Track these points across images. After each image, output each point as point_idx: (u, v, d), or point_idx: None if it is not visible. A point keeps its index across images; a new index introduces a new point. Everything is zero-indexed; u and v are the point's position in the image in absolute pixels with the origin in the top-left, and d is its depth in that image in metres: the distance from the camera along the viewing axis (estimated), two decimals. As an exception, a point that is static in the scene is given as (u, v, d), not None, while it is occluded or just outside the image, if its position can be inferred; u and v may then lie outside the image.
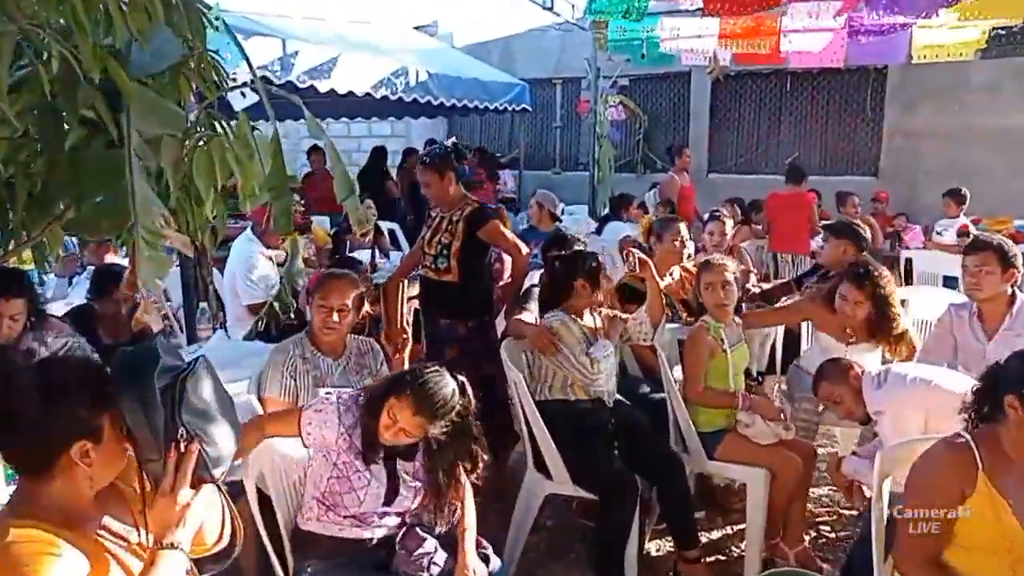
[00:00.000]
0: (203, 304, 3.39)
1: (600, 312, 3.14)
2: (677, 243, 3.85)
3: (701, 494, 3.48)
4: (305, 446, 2.05)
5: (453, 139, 3.93)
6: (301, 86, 5.42)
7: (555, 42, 10.54)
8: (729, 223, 4.98)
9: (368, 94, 6.19)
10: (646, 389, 3.54)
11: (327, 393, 2.09)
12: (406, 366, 2.74)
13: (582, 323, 3.02)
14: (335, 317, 2.61)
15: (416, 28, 9.97)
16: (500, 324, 3.80)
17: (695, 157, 9.55)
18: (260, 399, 2.59)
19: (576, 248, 3.51)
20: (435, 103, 7.14)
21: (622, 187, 8.91)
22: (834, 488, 3.27)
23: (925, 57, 7.02)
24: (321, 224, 6.56)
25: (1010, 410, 1.78)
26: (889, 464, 2.08)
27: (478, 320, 3.69)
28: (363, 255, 5.41)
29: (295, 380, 2.59)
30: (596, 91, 8.93)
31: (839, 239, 3.93)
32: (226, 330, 3.84)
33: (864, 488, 2.98)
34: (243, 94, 3.45)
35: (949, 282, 6.06)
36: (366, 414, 1.99)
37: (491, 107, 8.15)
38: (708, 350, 3.03)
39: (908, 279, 6.32)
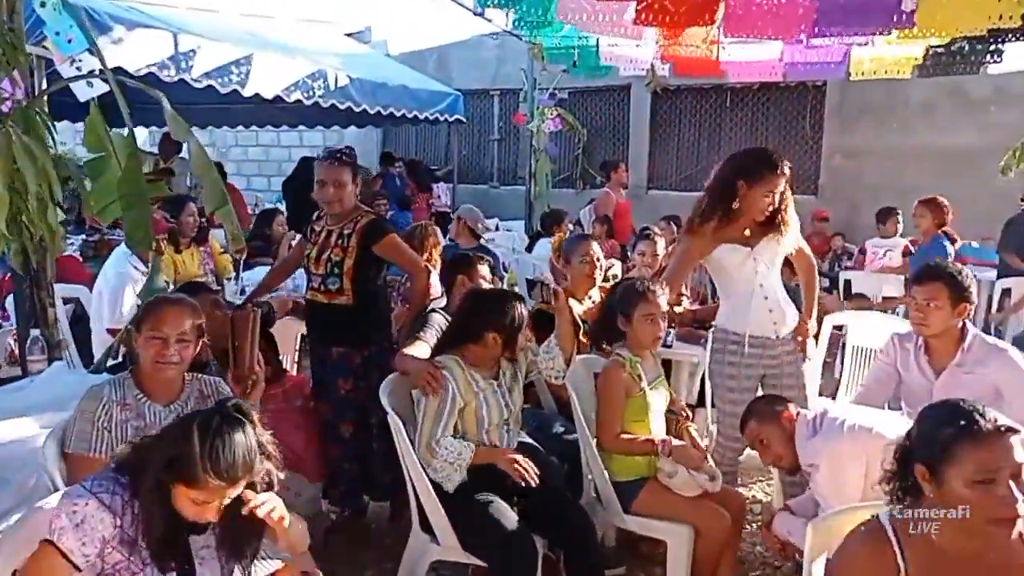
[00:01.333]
0: (35, 332, 2.85)
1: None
2: (587, 264, 3.48)
3: (623, 543, 3.09)
4: (79, 569, 1.53)
5: (347, 147, 3.47)
6: (197, 86, 4.91)
7: (492, 52, 10.20)
8: (661, 242, 4.64)
9: (279, 98, 5.69)
10: (560, 428, 3.13)
11: (66, 491, 1.60)
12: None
13: (475, 374, 2.57)
14: (171, 351, 2.14)
15: (348, 35, 9.52)
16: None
17: (635, 173, 9.31)
18: (65, 457, 2.09)
19: (488, 282, 3.07)
20: (357, 109, 6.68)
21: (561, 203, 8.57)
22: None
23: (863, 74, 6.88)
24: (218, 237, 6.01)
25: (924, 484, 1.46)
26: (822, 540, 1.70)
27: (377, 347, 3.24)
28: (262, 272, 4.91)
29: (110, 432, 2.09)
30: (533, 103, 8.59)
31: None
32: (93, 358, 3.31)
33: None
34: (90, 84, 2.97)
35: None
36: (149, 507, 1.53)
37: (421, 117, 7.73)
38: (625, 388, 2.64)
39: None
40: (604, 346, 2.77)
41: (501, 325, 2.53)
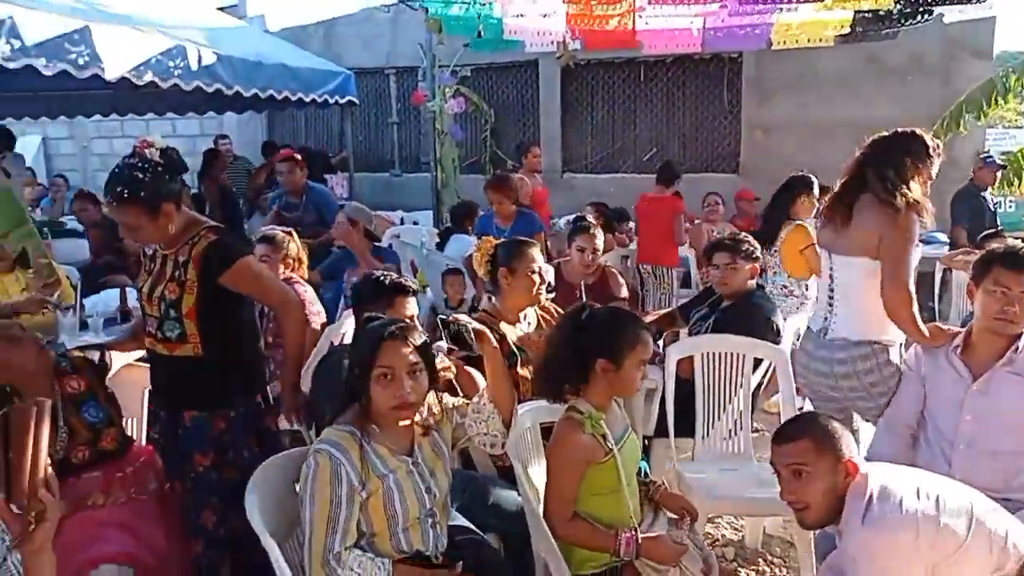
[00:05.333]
0: None
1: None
2: (534, 276, 2.77)
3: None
4: None
5: (150, 139, 2.38)
6: (8, 65, 3.88)
7: (385, 27, 9.29)
8: (600, 235, 3.95)
9: (126, 79, 4.68)
10: (501, 496, 2.43)
11: None
12: (46, 557, 1.46)
13: (377, 444, 1.85)
14: None
15: (220, 9, 8.41)
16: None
17: (548, 155, 8.67)
18: None
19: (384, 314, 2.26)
20: (229, 92, 5.69)
21: (469, 189, 7.85)
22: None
23: (785, 43, 6.47)
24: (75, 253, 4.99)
25: None
26: None
27: (246, 405, 2.44)
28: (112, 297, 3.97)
29: None
30: (433, 81, 7.79)
31: (747, 260, 3.17)
32: None
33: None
34: None
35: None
36: None
37: (307, 99, 6.78)
38: (585, 457, 1.96)
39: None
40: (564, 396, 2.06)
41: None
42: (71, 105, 7.77)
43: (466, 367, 2.33)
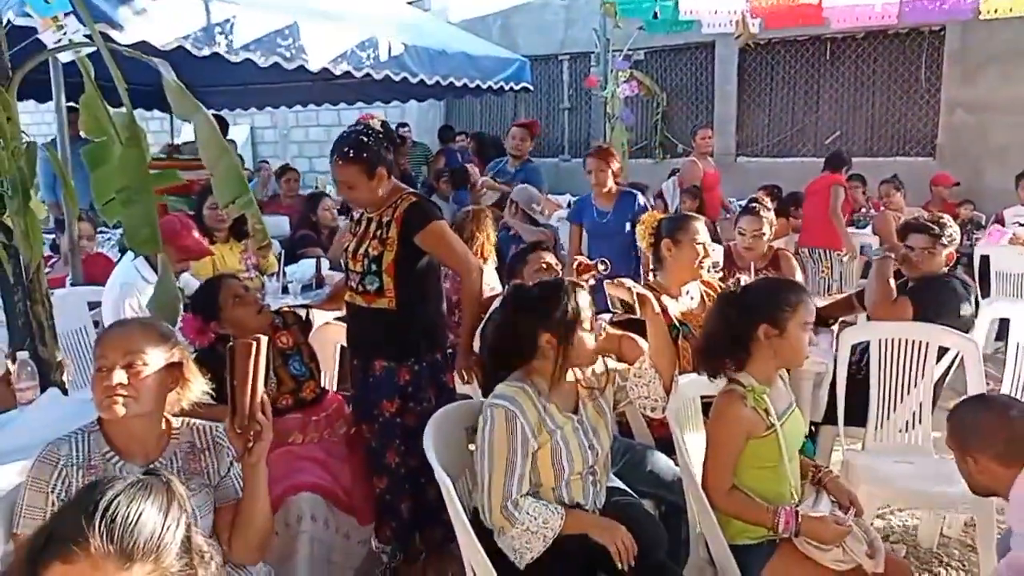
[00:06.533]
0: (22, 354, 2.39)
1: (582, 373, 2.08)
2: (698, 248, 2.78)
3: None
4: None
5: (377, 117, 2.75)
6: (232, 60, 4.41)
7: (559, 14, 9.43)
8: (768, 217, 3.83)
9: (326, 70, 5.15)
10: (659, 464, 2.49)
11: None
12: (261, 470, 1.72)
13: (546, 401, 1.98)
14: (115, 379, 1.61)
15: (409, 3, 8.94)
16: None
17: (721, 138, 8.45)
18: (13, 539, 1.60)
19: (542, 279, 2.44)
20: (414, 81, 6.07)
21: (638, 174, 7.84)
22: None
23: (996, 11, 5.84)
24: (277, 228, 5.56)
25: None
26: None
27: (429, 360, 2.68)
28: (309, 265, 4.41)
29: (67, 507, 1.59)
30: (606, 66, 7.82)
31: (947, 247, 2.99)
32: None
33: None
34: (77, 51, 2.47)
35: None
36: None
37: (484, 86, 7.07)
38: (746, 430, 1.97)
39: (984, 282, 5.18)
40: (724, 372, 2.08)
41: (551, 320, 1.94)
42: (274, 96, 8.57)
43: (628, 334, 2.41)
